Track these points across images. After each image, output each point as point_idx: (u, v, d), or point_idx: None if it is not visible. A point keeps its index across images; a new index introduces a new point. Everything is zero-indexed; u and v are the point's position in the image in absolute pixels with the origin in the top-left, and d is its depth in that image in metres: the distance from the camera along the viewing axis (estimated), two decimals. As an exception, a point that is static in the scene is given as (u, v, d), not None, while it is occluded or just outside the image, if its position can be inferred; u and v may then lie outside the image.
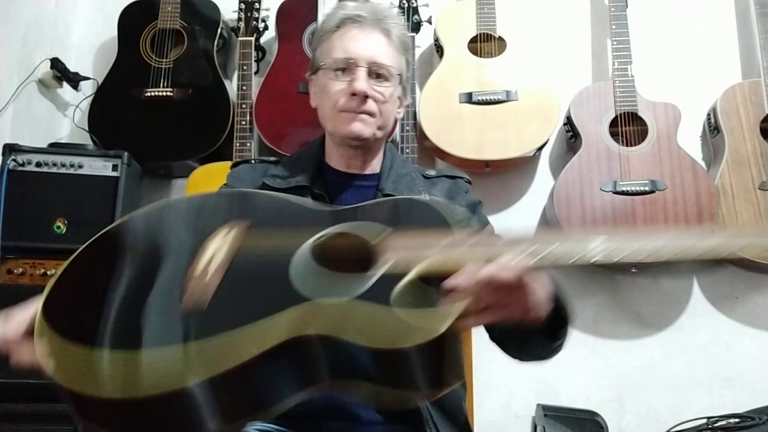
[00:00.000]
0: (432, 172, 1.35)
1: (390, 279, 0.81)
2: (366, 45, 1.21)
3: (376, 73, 1.22)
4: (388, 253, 0.84)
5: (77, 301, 0.91)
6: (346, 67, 1.21)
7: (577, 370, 2.13)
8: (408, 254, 0.82)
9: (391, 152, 1.34)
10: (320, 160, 1.31)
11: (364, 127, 1.23)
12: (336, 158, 1.30)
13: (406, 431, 1.13)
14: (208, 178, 2.17)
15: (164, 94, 2.25)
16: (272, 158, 1.40)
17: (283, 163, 1.34)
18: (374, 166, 1.32)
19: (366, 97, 1.21)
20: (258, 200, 1.07)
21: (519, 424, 2.04)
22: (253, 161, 1.41)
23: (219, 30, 2.35)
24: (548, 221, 2.24)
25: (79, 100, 2.44)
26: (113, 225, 1.01)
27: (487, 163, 2.16)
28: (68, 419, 1.62)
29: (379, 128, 1.25)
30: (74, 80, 2.39)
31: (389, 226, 0.89)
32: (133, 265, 0.93)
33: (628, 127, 2.13)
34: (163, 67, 2.29)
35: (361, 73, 1.20)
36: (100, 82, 2.35)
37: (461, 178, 1.34)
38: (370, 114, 1.22)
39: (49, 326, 0.86)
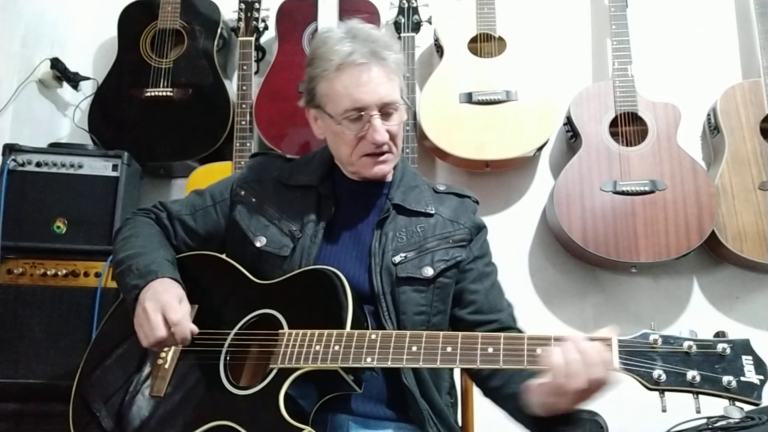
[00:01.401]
0: (442, 187, 1.36)
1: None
2: (372, 89, 1.19)
3: (384, 110, 1.21)
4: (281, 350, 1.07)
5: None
6: (358, 117, 1.20)
7: (577, 370, 2.13)
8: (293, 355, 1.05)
9: (403, 164, 1.37)
10: (332, 163, 1.34)
11: (386, 167, 1.27)
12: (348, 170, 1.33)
13: (411, 428, 1.15)
14: (208, 178, 2.15)
15: (164, 94, 2.25)
16: (289, 155, 1.44)
17: (297, 162, 1.39)
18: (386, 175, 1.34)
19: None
20: (210, 276, 1.28)
21: (520, 426, 2.03)
22: (271, 155, 1.45)
23: (219, 30, 2.35)
24: (548, 221, 2.24)
25: (79, 100, 2.44)
26: None
27: (487, 163, 2.16)
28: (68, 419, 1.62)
29: (398, 154, 1.30)
30: (74, 80, 2.39)
31: (301, 298, 1.15)
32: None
33: (628, 127, 2.13)
34: (163, 67, 2.29)
35: (376, 121, 1.19)
36: (100, 82, 2.35)
37: (469, 197, 1.36)
38: (386, 154, 1.25)
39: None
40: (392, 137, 1.24)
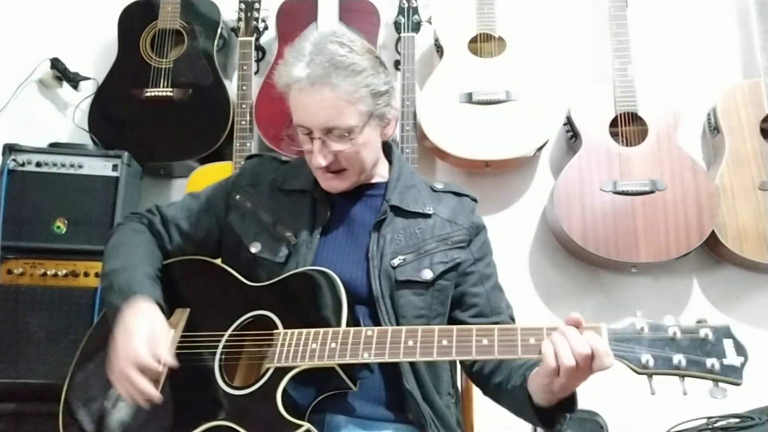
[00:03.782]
0: (440, 186, 1.34)
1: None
2: (315, 111, 1.15)
3: (334, 133, 1.17)
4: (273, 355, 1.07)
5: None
6: (307, 134, 1.19)
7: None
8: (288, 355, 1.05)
9: (399, 162, 1.34)
10: None
11: (339, 183, 1.24)
12: None
13: (410, 429, 1.15)
14: (208, 178, 2.16)
15: (164, 94, 2.25)
16: (285, 157, 1.42)
17: (292, 165, 1.37)
18: (381, 175, 1.33)
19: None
20: (201, 279, 1.27)
21: (519, 424, 2.03)
22: (266, 156, 1.43)
23: (219, 30, 2.35)
24: (548, 221, 2.24)
25: (79, 100, 2.43)
26: None
27: (487, 163, 2.16)
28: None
29: (359, 173, 1.25)
30: (74, 80, 2.39)
31: (294, 301, 1.15)
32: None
33: (628, 127, 2.13)
34: (163, 67, 2.29)
35: (317, 145, 1.17)
36: (100, 82, 2.35)
37: (467, 196, 1.34)
38: (340, 171, 1.22)
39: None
40: (342, 158, 1.20)
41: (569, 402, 1.03)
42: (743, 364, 0.91)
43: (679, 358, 0.91)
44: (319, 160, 1.18)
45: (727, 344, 0.91)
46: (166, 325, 1.14)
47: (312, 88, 1.14)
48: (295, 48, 1.18)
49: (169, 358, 1.09)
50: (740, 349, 0.91)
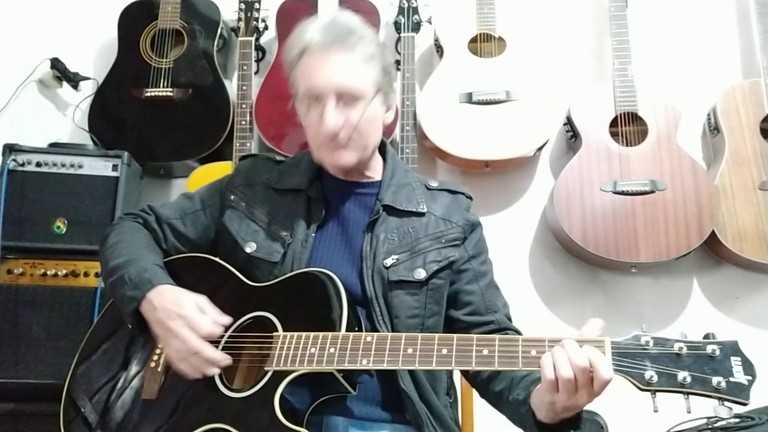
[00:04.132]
0: (434, 184, 1.33)
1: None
2: (329, 73, 1.15)
3: (346, 98, 1.17)
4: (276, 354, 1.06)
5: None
6: (316, 104, 1.18)
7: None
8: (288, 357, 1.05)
9: (393, 160, 1.34)
10: (320, 165, 1.30)
11: (347, 156, 1.22)
12: (333, 169, 1.29)
13: (408, 430, 1.15)
14: (208, 178, 2.13)
15: (164, 94, 2.25)
16: (279, 156, 1.42)
17: (286, 164, 1.36)
18: (375, 172, 1.32)
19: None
20: (205, 276, 1.26)
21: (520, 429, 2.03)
22: (260, 157, 1.42)
23: (219, 30, 2.35)
24: (548, 221, 2.24)
25: (79, 100, 2.43)
26: None
27: (487, 163, 2.16)
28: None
29: (364, 148, 1.24)
30: (74, 80, 2.39)
31: (294, 301, 1.14)
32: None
33: (628, 127, 2.13)
34: (163, 67, 2.29)
35: (329, 107, 1.16)
36: (100, 82, 2.35)
37: (462, 194, 1.33)
38: (349, 141, 1.21)
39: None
40: (353, 127, 1.18)
41: (574, 419, 0.99)
42: (750, 383, 0.87)
43: (684, 375, 0.88)
44: (329, 121, 1.15)
45: (735, 361, 0.88)
46: (204, 297, 1.15)
47: (327, 51, 1.15)
48: (304, 23, 1.20)
49: (226, 318, 1.13)
50: (748, 367, 0.88)
